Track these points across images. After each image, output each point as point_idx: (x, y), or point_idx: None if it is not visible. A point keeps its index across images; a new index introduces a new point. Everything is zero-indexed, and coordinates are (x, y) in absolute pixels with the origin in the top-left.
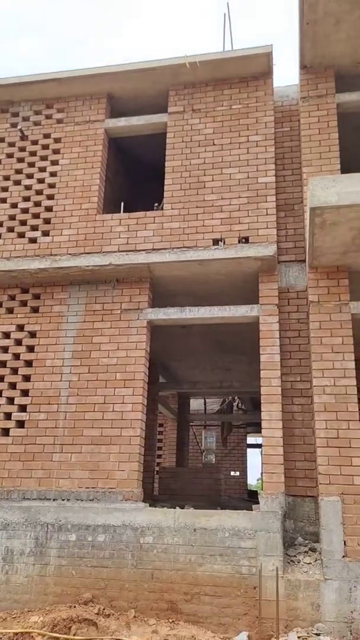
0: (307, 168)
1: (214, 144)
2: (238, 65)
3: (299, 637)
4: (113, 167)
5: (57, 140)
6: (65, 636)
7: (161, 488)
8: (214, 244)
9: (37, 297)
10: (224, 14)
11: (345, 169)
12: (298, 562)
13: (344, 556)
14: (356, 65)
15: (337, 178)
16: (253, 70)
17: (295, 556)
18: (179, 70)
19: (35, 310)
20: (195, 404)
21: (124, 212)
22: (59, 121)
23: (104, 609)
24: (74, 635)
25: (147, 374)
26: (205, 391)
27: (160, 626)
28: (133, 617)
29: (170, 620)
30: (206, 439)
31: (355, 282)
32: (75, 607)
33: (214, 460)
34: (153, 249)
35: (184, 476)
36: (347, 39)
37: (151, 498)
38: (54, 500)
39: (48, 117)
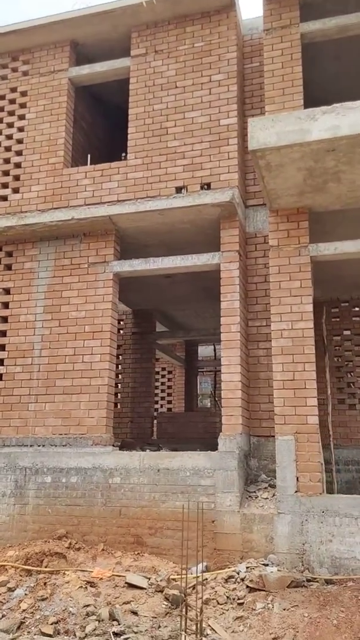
0: (270, 106)
1: (176, 87)
2: (198, 0)
3: (247, 567)
4: (88, 118)
5: (23, 94)
6: (36, 568)
7: (159, 432)
8: (177, 192)
9: (9, 254)
10: None
11: (322, 102)
12: (256, 498)
13: (296, 491)
14: None
15: (276, 117)
16: (215, 4)
17: (254, 492)
18: (138, 10)
19: (8, 267)
20: (207, 350)
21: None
22: (25, 73)
23: (75, 543)
24: (45, 567)
25: (116, 324)
26: (206, 338)
27: (124, 558)
28: (101, 550)
29: (136, 553)
30: (201, 384)
31: (323, 223)
32: (49, 542)
33: (209, 404)
34: (117, 201)
35: (181, 420)
36: None
37: (147, 442)
38: (30, 446)
39: (14, 70)
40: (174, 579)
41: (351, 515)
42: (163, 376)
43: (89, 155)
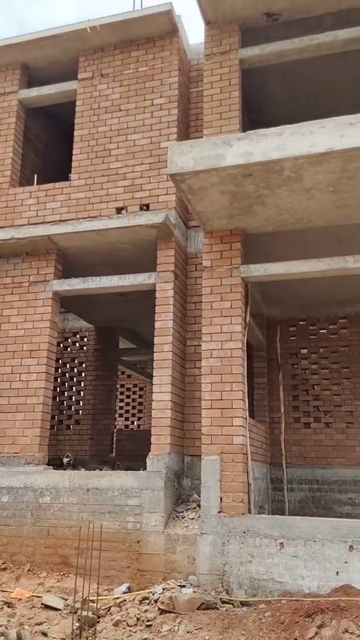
0: (208, 129)
1: (120, 110)
2: (141, 26)
3: (164, 589)
4: (44, 138)
5: None
6: None
7: (118, 449)
8: (117, 213)
9: None
10: None
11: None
12: (183, 518)
13: (219, 511)
14: (261, 16)
15: (195, 143)
16: (158, 30)
17: (182, 512)
18: (85, 35)
19: None
20: None
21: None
22: None
23: (2, 563)
24: None
25: (54, 343)
26: None
27: (49, 579)
28: (27, 570)
29: (62, 573)
30: None
31: (264, 244)
32: None
33: None
34: (60, 220)
35: (140, 437)
36: None
37: (103, 460)
38: None
39: None
40: (91, 600)
41: (271, 536)
42: (134, 392)
43: (35, 175)
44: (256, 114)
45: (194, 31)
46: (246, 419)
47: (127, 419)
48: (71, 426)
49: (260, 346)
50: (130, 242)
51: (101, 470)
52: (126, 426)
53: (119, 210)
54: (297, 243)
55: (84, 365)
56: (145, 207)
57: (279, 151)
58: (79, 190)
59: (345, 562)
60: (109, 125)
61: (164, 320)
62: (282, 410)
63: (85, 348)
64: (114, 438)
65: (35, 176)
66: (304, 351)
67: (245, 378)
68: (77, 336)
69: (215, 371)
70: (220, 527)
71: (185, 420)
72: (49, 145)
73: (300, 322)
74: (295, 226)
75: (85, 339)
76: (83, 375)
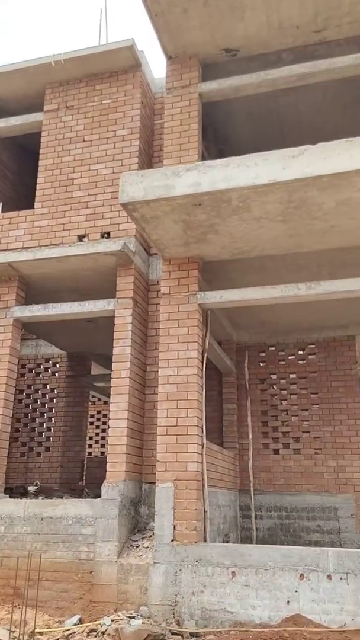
0: (167, 160)
1: (84, 141)
2: (105, 61)
3: (113, 620)
4: (14, 167)
5: None
6: None
7: (88, 477)
8: (78, 240)
9: None
10: (101, 9)
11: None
12: (137, 547)
13: (172, 540)
14: (220, 51)
15: (145, 173)
16: (122, 64)
17: (137, 541)
18: (51, 68)
19: None
20: None
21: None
22: None
23: None
24: None
25: (15, 370)
26: None
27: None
28: None
29: (14, 605)
30: None
31: (225, 271)
32: None
33: None
34: (23, 248)
35: None
36: (201, 27)
37: (71, 489)
38: None
39: None
40: (39, 633)
41: (223, 565)
42: (104, 416)
43: (0, 203)
44: (225, 144)
45: (161, 64)
46: (203, 445)
47: (103, 445)
48: (41, 453)
49: (229, 372)
50: (91, 269)
51: (62, 498)
52: (102, 453)
53: (80, 237)
54: (258, 270)
55: (55, 392)
56: (107, 235)
57: (225, 182)
58: (42, 218)
59: (296, 591)
60: (72, 155)
61: (122, 347)
62: (251, 436)
63: (57, 374)
64: (84, 465)
65: (0, 204)
66: (274, 377)
67: (202, 404)
68: (50, 362)
69: (171, 397)
70: (173, 556)
71: (144, 447)
72: (19, 174)
73: (270, 348)
74: (251, 254)
75: (58, 365)
76: (54, 401)
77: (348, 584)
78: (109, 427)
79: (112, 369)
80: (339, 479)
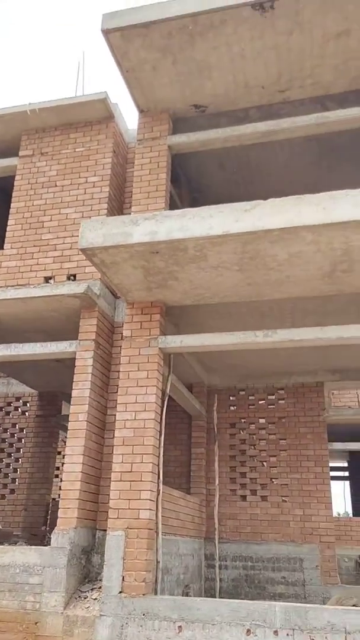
0: (135, 207)
1: (56, 185)
2: (80, 111)
3: None
4: None
5: None
6: None
7: (53, 521)
8: (45, 282)
9: None
10: (78, 62)
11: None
12: (86, 598)
13: (120, 592)
14: (190, 107)
15: (105, 220)
16: (96, 115)
17: (86, 592)
18: (28, 116)
19: None
20: None
21: None
22: None
23: None
24: None
25: None
26: None
27: None
28: None
29: None
30: None
31: (193, 315)
32: None
33: None
34: None
35: None
36: (170, 84)
37: (32, 534)
38: None
39: None
40: None
41: (170, 619)
42: None
43: None
44: (199, 193)
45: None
46: (159, 491)
47: None
48: (6, 496)
49: (199, 415)
50: (56, 311)
51: (16, 544)
52: None
53: (47, 279)
54: (224, 315)
55: (24, 432)
56: (73, 277)
57: (181, 232)
58: (11, 259)
59: None
60: (44, 199)
61: (81, 389)
62: (217, 482)
63: (27, 414)
64: (49, 509)
65: None
66: (243, 421)
67: (160, 449)
68: (20, 401)
69: (127, 442)
70: (120, 608)
71: (100, 492)
72: None
73: (240, 392)
74: (213, 300)
75: (28, 404)
76: (23, 442)
77: None
78: (63, 472)
79: (70, 411)
80: (304, 528)
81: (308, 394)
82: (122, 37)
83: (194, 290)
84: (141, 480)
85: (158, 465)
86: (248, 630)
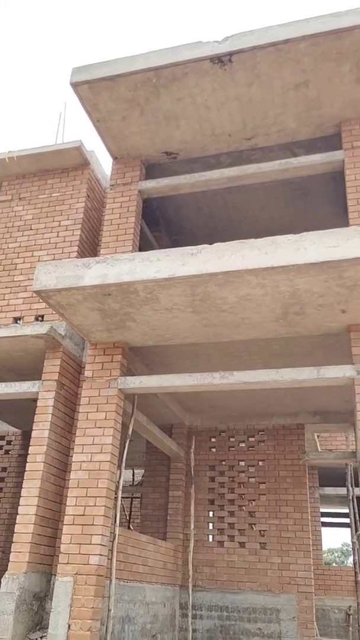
0: (104, 249)
1: (31, 229)
2: (57, 158)
3: None
4: None
5: None
6: None
7: None
8: (14, 322)
9: None
10: (60, 112)
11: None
12: None
13: None
14: (161, 154)
15: (59, 263)
16: (72, 162)
17: (35, 639)
18: (7, 163)
19: None
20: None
21: None
22: None
23: None
24: None
25: None
26: None
27: None
28: None
29: None
30: None
31: (162, 356)
32: None
33: None
34: None
35: None
36: (140, 133)
37: None
38: None
39: None
40: None
41: None
42: None
43: None
44: (179, 235)
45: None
46: (115, 536)
47: None
48: None
49: (177, 457)
50: (23, 351)
51: None
52: None
53: (16, 320)
54: (191, 356)
55: (6, 471)
56: (41, 318)
57: (130, 275)
58: None
59: None
60: (19, 242)
61: (41, 430)
62: (193, 526)
63: (10, 453)
64: None
65: None
66: (223, 463)
67: (115, 492)
68: (4, 440)
69: (82, 484)
70: None
71: (58, 536)
72: None
73: (222, 433)
74: (174, 341)
75: (12, 443)
76: (5, 481)
77: None
78: (18, 514)
79: (29, 452)
80: (282, 577)
81: (289, 436)
82: (90, 89)
83: (153, 332)
84: (93, 524)
85: (115, 508)
86: None
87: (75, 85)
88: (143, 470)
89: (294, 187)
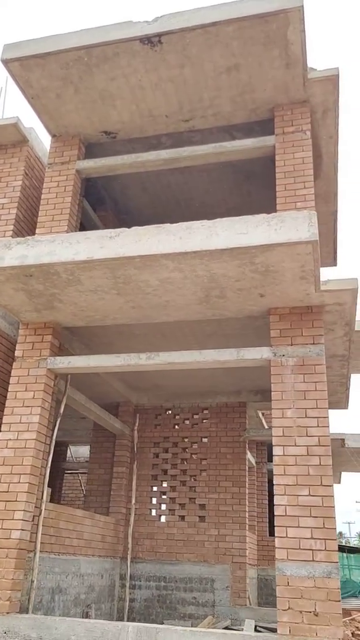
0: (40, 229)
1: None
2: None
3: None
4: None
5: None
6: None
7: None
8: None
9: None
10: (0, 88)
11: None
12: None
13: None
14: (100, 134)
15: None
16: (10, 139)
17: None
18: None
19: None
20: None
21: None
22: None
23: None
24: None
25: None
26: (77, 439)
27: None
28: None
29: None
30: None
31: (96, 337)
32: None
33: None
34: None
35: None
36: (76, 111)
37: None
38: None
39: None
40: None
41: (29, 637)
42: None
43: None
44: (126, 215)
45: None
46: (41, 511)
47: None
48: None
49: (122, 434)
50: None
51: None
52: None
53: None
54: (129, 336)
55: None
56: None
57: (49, 256)
58: None
59: None
60: None
61: None
62: (134, 501)
63: None
64: None
65: None
66: (167, 440)
67: (46, 469)
68: None
69: (7, 462)
70: None
71: None
72: None
73: (167, 411)
74: (105, 322)
75: None
76: None
77: None
78: None
79: None
80: (218, 548)
81: (231, 414)
82: (21, 66)
83: (82, 312)
84: (16, 500)
85: (43, 484)
86: None
87: (6, 62)
88: None
89: (237, 170)
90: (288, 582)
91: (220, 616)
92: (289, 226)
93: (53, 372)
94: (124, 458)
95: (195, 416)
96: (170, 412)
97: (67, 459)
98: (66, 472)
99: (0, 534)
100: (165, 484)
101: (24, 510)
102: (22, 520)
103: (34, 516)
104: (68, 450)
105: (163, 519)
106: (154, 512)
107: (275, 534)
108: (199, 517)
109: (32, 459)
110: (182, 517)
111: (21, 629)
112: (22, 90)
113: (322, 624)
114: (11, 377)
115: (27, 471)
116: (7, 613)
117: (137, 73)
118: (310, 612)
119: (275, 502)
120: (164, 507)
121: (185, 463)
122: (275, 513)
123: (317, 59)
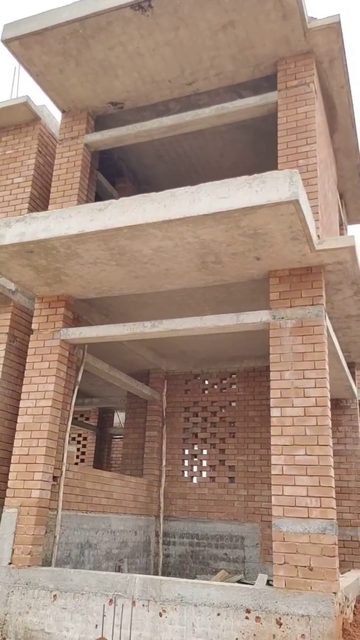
0: (52, 205)
1: None
2: (7, 115)
3: None
4: None
5: None
6: None
7: None
8: None
9: None
10: (15, 68)
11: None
12: None
13: (10, 563)
14: (107, 105)
15: None
16: (23, 118)
17: None
18: None
19: None
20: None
21: None
22: None
23: None
24: None
25: None
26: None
27: None
28: None
29: None
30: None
31: (114, 307)
32: None
33: None
34: None
35: None
36: (81, 84)
37: None
38: None
39: None
40: None
41: (47, 588)
42: (79, 442)
43: None
44: (147, 185)
45: None
46: (62, 473)
47: None
48: None
49: (153, 400)
50: None
51: None
52: None
53: None
54: (143, 306)
55: None
56: None
57: (45, 232)
58: None
59: (104, 616)
60: None
61: None
62: (164, 463)
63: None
64: None
65: None
66: (197, 405)
67: (66, 434)
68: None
69: (27, 428)
70: (8, 578)
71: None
72: None
73: (196, 377)
74: (113, 293)
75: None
76: None
77: (148, 611)
78: None
79: None
80: (248, 507)
81: (258, 378)
82: (21, 45)
83: (89, 285)
84: (35, 463)
85: (63, 448)
86: (110, 600)
87: (6, 42)
88: None
89: (250, 130)
90: (284, 538)
91: (250, 571)
92: (269, 187)
93: (67, 342)
94: (155, 423)
95: (224, 381)
96: (199, 377)
97: (115, 424)
98: (114, 437)
99: (23, 494)
100: (196, 447)
101: (42, 471)
102: (41, 480)
103: (54, 477)
104: (115, 417)
105: (195, 480)
106: (186, 474)
107: (272, 492)
108: (229, 478)
109: (49, 425)
110: (213, 479)
111: (40, 581)
112: (26, 69)
113: (316, 578)
114: (28, 349)
115: (45, 436)
116: (29, 566)
117: (134, 40)
118: (305, 566)
119: (272, 461)
120: (195, 468)
121: (215, 427)
122: (272, 472)
123: (322, 8)
